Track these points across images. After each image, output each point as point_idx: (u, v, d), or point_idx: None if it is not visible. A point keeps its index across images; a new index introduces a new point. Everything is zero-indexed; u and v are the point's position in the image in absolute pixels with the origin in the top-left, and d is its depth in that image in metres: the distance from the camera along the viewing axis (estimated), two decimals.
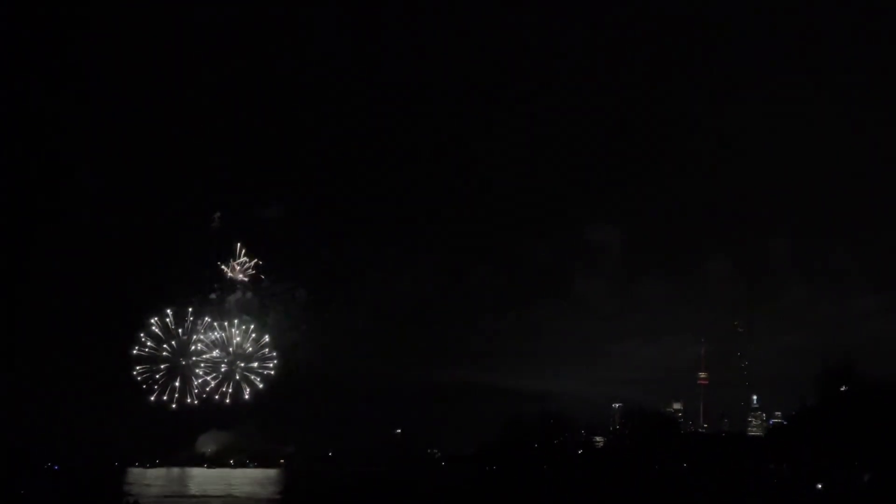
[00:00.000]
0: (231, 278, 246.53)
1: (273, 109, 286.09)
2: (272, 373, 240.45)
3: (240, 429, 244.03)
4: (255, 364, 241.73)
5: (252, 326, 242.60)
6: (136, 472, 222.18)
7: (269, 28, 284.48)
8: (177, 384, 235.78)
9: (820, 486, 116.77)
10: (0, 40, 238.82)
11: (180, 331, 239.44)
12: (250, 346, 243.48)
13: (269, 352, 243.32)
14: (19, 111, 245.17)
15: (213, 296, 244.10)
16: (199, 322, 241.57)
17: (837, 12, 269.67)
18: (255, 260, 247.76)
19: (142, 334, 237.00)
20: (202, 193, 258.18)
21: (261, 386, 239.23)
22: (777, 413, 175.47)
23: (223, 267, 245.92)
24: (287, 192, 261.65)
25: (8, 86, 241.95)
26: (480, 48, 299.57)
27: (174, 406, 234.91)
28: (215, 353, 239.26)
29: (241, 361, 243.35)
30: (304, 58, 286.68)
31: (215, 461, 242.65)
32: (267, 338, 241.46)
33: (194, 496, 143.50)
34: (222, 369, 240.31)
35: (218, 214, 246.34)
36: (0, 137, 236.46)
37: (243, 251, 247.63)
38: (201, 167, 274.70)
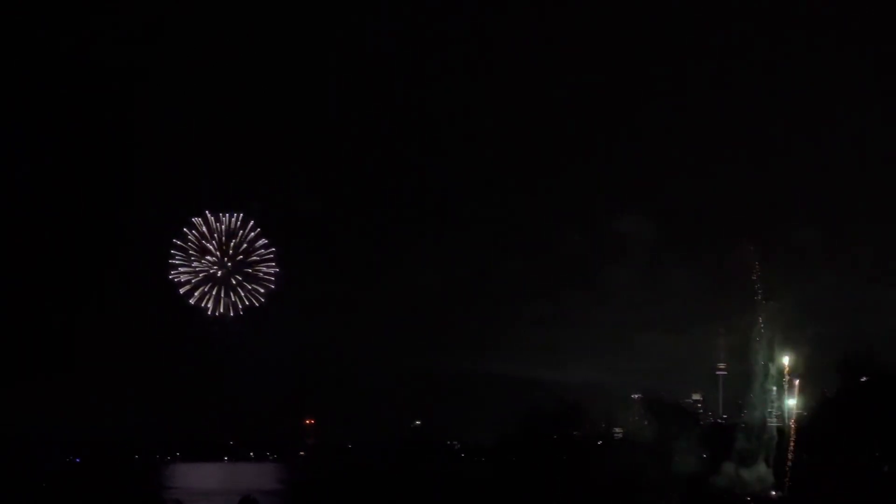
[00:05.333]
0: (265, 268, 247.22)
1: (309, 100, 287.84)
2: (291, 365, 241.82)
3: (259, 421, 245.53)
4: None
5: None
6: (159, 467, 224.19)
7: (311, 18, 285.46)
8: None
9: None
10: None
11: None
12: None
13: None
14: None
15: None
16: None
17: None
18: (288, 251, 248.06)
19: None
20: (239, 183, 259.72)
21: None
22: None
23: (257, 257, 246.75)
24: (321, 183, 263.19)
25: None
26: (508, 39, 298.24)
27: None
28: None
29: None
30: (342, 50, 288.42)
31: (235, 454, 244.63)
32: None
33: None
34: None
35: (256, 205, 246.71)
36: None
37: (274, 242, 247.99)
38: (239, 157, 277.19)
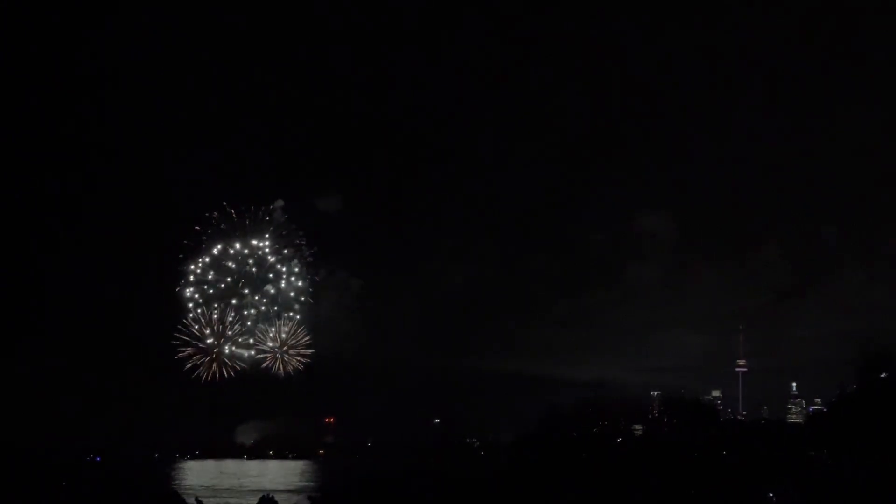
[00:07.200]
0: (289, 266, 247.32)
1: (330, 99, 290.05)
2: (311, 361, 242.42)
3: (279, 418, 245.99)
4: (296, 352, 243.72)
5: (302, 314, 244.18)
6: (179, 465, 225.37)
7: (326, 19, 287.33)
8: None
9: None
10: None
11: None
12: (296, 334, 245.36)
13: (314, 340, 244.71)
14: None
15: (268, 286, 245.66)
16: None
17: None
18: (313, 249, 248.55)
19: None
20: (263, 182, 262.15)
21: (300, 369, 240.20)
22: (817, 400, 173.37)
23: (283, 256, 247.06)
24: (344, 182, 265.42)
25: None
26: (523, 38, 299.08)
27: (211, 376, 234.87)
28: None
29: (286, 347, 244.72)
30: (361, 47, 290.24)
31: (254, 452, 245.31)
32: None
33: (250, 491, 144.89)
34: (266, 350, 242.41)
35: (280, 203, 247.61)
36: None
37: (303, 241, 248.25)
38: (261, 156, 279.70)
